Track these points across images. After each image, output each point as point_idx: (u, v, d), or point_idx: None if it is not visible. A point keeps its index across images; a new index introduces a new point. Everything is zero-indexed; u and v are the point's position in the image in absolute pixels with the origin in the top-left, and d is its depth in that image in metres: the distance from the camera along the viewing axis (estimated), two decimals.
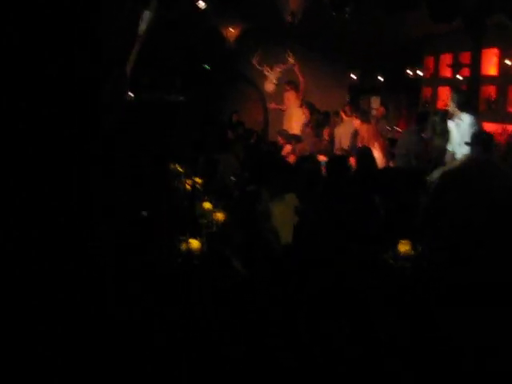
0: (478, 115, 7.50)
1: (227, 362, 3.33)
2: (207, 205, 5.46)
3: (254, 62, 13.11)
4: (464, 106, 7.17)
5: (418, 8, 7.25)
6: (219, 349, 3.41)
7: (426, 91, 13.85)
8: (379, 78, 14.87)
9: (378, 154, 7.71)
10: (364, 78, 14.89)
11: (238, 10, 9.30)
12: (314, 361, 3.40)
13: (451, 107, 7.21)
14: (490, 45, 11.30)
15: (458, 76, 12.33)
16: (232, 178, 7.02)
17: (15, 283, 3.43)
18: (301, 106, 12.04)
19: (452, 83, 12.40)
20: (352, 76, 14.55)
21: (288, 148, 9.32)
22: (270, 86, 13.26)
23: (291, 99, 12.36)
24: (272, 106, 12.98)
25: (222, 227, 4.99)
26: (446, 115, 9.41)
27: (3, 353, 3.21)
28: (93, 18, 3.86)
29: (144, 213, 5.25)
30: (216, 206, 5.36)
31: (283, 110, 12.56)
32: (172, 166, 7.87)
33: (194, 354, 3.40)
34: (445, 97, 12.67)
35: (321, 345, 3.46)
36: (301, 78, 12.77)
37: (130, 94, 10.67)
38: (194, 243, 4.35)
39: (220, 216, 5.08)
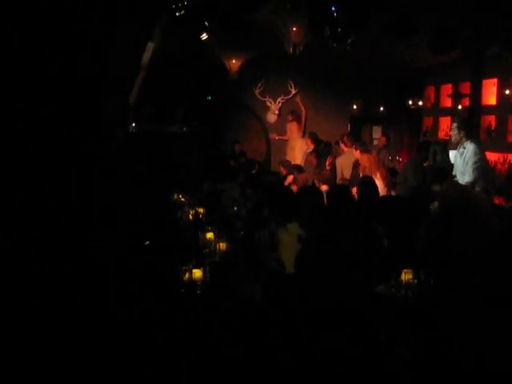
0: (481, 144, 7.55)
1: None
2: (210, 235, 5.48)
3: (257, 92, 13.23)
4: (469, 135, 7.22)
5: (418, 36, 7.35)
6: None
7: (427, 121, 13.96)
8: (381, 108, 14.98)
9: (379, 184, 7.74)
10: (365, 108, 14.99)
11: (240, 42, 9.40)
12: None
13: (455, 136, 7.24)
14: (489, 75, 11.43)
15: (458, 106, 12.44)
16: (235, 207, 7.04)
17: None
18: (303, 137, 12.15)
19: (452, 113, 12.51)
20: (353, 106, 14.65)
21: (290, 178, 9.36)
22: (272, 117, 13.37)
23: (293, 130, 12.48)
24: (274, 136, 13.07)
25: (224, 257, 5.00)
26: (447, 145, 9.49)
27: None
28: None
29: (147, 242, 5.27)
30: (219, 236, 5.38)
31: (286, 141, 12.66)
32: (175, 196, 7.91)
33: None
34: (445, 127, 12.77)
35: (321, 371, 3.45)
36: (303, 109, 12.89)
37: (133, 124, 10.77)
38: (197, 273, 4.36)
39: (223, 246, 5.10)
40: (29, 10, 3.60)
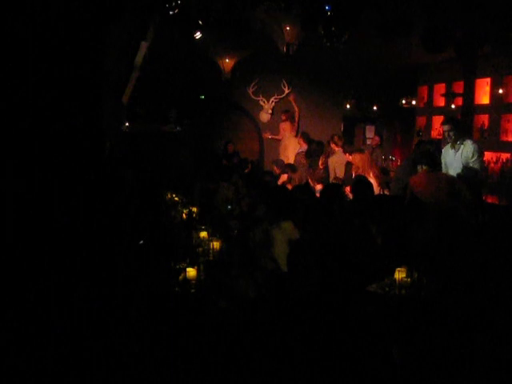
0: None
1: None
2: (204, 233, 5.48)
3: (250, 92, 13.23)
4: (465, 132, 7.30)
5: (411, 35, 7.36)
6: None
7: (421, 120, 13.98)
8: (374, 107, 15.01)
9: (372, 183, 7.76)
10: (359, 107, 15.01)
11: (233, 41, 9.40)
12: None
13: (452, 136, 7.26)
14: (482, 75, 11.47)
15: (451, 106, 12.48)
16: (229, 206, 7.05)
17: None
18: (296, 136, 12.16)
19: (445, 112, 12.54)
20: (347, 105, 14.68)
21: (284, 177, 9.37)
22: (265, 116, 13.37)
23: (287, 129, 12.49)
24: (267, 135, 13.07)
25: (219, 255, 5.01)
26: (441, 144, 9.51)
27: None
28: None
29: (141, 242, 5.26)
30: (213, 235, 5.38)
31: (279, 140, 12.67)
32: (168, 196, 7.91)
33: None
34: (438, 126, 12.80)
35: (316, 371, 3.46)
36: (296, 108, 12.89)
37: (126, 124, 10.76)
38: (191, 272, 4.36)
39: (217, 244, 5.10)
40: (24, 11, 3.60)
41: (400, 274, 4.25)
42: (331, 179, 9.21)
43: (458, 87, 12.32)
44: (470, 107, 11.82)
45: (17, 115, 3.55)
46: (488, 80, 11.47)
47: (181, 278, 4.32)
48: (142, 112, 12.05)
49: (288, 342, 3.49)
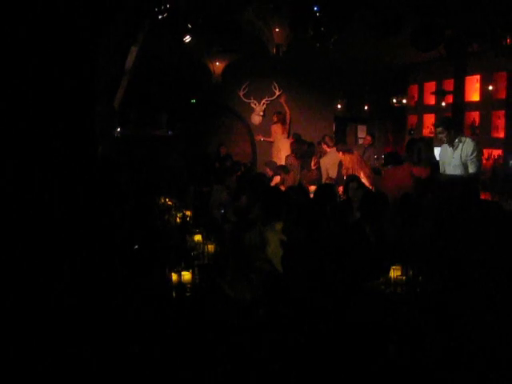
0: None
1: None
2: (198, 237, 5.48)
3: (241, 94, 13.23)
4: (459, 130, 7.34)
5: (401, 34, 7.37)
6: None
7: (412, 119, 14.02)
8: (365, 107, 15.04)
9: (364, 182, 7.77)
10: (350, 107, 15.04)
11: (223, 44, 9.40)
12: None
13: (447, 136, 7.27)
14: (472, 72, 11.51)
15: (442, 103, 12.51)
16: (222, 210, 7.04)
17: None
18: (288, 138, 12.17)
19: (436, 110, 12.58)
20: (338, 106, 14.70)
21: (277, 179, 9.38)
22: (256, 119, 13.37)
23: (278, 131, 12.48)
24: (259, 137, 13.07)
25: (213, 259, 5.00)
26: (432, 142, 9.54)
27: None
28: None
29: (135, 246, 5.25)
30: (207, 238, 5.37)
31: (271, 142, 12.67)
32: (162, 200, 7.90)
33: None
34: (430, 124, 12.85)
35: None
36: (287, 110, 12.90)
37: (118, 129, 10.73)
38: (186, 275, 4.36)
39: (211, 248, 5.10)
40: (17, 14, 3.59)
41: (395, 273, 4.26)
42: (324, 180, 9.22)
43: (448, 85, 12.36)
44: (461, 104, 11.86)
45: (7, 119, 3.54)
46: (478, 77, 11.52)
47: (176, 281, 4.32)
48: (134, 116, 12.04)
49: (285, 343, 3.49)
